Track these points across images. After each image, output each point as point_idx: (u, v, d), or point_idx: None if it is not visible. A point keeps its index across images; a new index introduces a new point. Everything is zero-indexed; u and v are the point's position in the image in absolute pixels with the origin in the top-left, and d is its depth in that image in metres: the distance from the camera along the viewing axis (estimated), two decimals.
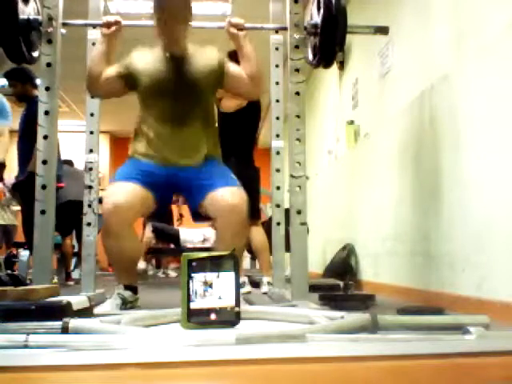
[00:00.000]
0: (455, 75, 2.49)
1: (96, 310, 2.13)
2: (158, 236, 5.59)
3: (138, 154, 2.37)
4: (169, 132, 2.32)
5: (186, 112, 2.33)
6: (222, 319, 1.18)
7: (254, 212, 3.63)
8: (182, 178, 2.32)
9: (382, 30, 2.62)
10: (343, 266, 4.13)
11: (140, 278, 4.65)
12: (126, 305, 2.30)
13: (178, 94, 2.32)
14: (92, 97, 2.61)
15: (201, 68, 2.36)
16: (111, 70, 2.35)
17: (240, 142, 3.49)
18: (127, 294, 2.33)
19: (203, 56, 2.41)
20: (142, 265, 5.08)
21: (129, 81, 2.36)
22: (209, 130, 2.41)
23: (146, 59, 2.38)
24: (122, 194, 2.20)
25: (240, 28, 2.35)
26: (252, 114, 3.60)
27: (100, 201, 2.87)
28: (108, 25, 2.34)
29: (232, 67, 2.39)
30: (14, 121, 4.19)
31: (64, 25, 2.43)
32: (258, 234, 3.58)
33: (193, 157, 2.34)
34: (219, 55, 2.42)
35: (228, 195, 2.18)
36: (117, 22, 2.33)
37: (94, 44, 2.64)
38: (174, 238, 6.02)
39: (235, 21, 2.36)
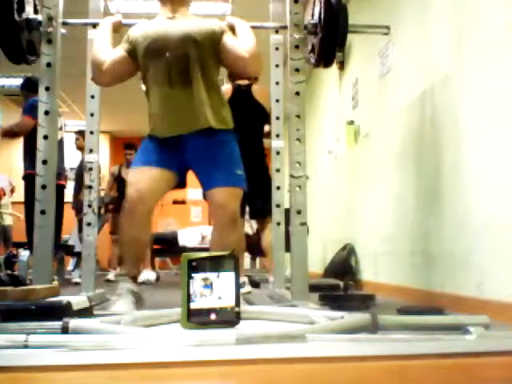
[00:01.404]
0: (455, 75, 2.49)
1: (112, 309, 2.14)
2: (155, 244, 5.55)
3: (150, 132, 2.37)
4: (169, 95, 2.28)
5: (184, 71, 2.28)
6: (222, 319, 1.18)
7: (266, 211, 3.64)
8: (192, 155, 2.32)
9: (383, 29, 2.62)
10: (343, 266, 4.13)
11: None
12: (134, 298, 2.29)
13: (175, 51, 2.28)
14: (98, 84, 2.50)
15: (200, 28, 2.34)
16: (117, 51, 2.35)
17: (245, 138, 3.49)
18: (136, 288, 2.35)
19: (204, 21, 2.40)
20: (152, 276, 5.05)
21: (132, 52, 2.34)
22: (212, 95, 2.33)
23: (144, 25, 2.40)
24: (146, 181, 2.27)
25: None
26: (243, 101, 3.56)
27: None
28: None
29: (230, 38, 2.35)
30: (12, 120, 4.20)
31: (64, 24, 2.43)
32: (269, 233, 3.60)
33: (196, 120, 2.28)
34: (221, 24, 2.40)
35: (222, 196, 2.29)
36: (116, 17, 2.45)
37: None
38: (172, 241, 6.03)
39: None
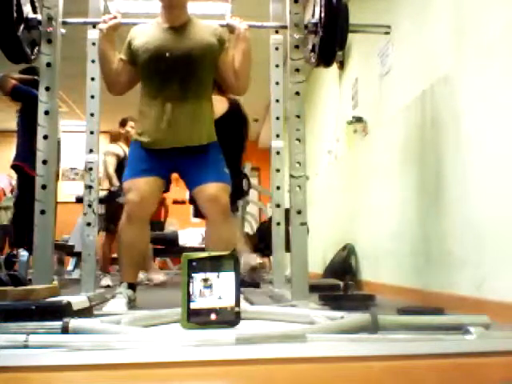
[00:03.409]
0: (455, 75, 2.49)
1: (104, 309, 2.14)
2: (154, 244, 5.52)
3: (140, 138, 2.40)
4: (166, 109, 2.32)
5: (182, 87, 2.32)
6: (222, 319, 1.18)
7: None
8: (181, 162, 2.39)
9: (384, 29, 2.63)
10: (343, 266, 4.13)
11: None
12: (130, 304, 2.32)
13: (173, 66, 2.31)
14: (114, 95, 2.53)
15: (199, 41, 2.35)
16: (121, 64, 2.39)
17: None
18: (130, 292, 2.35)
19: (204, 30, 2.40)
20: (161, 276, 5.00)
21: (133, 61, 2.39)
22: (206, 111, 2.41)
23: (144, 32, 2.41)
24: (143, 187, 2.33)
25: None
26: (233, 124, 3.49)
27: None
28: (106, 21, 2.39)
29: (227, 59, 2.40)
30: (12, 119, 4.19)
31: (64, 23, 2.43)
32: None
33: (190, 136, 2.36)
34: (221, 33, 2.42)
35: (214, 190, 2.35)
36: (115, 17, 2.40)
37: (93, 44, 2.64)
38: (173, 241, 6.00)
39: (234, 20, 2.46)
